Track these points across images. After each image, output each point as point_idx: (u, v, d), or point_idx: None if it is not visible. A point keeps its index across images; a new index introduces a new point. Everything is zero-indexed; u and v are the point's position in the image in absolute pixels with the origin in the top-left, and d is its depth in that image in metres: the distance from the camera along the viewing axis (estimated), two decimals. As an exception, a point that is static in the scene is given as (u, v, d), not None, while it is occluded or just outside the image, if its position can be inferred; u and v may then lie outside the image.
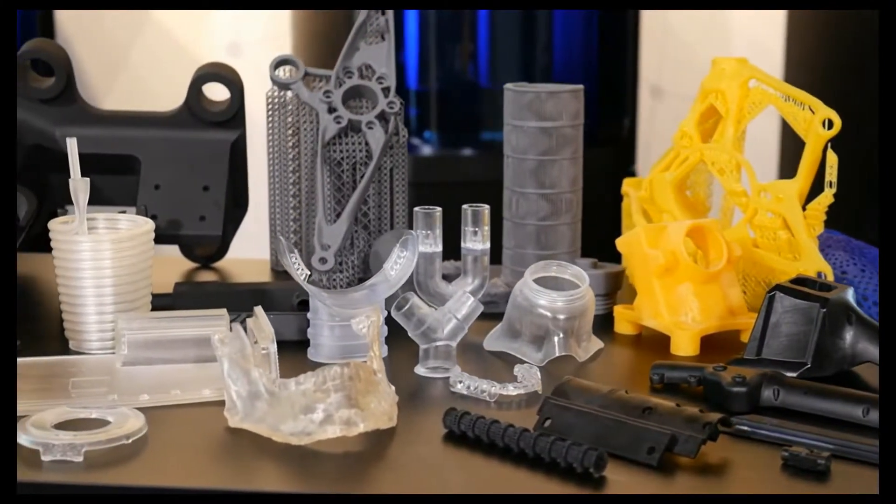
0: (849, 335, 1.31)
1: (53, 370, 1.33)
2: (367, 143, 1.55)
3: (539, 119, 1.51)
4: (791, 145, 2.86)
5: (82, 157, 1.41)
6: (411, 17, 2.81)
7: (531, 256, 1.53)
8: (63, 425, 1.16)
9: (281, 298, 1.50)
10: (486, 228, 1.41)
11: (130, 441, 1.14)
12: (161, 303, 1.47)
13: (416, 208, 1.39)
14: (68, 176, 1.41)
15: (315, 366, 1.27)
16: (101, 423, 1.16)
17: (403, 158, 1.61)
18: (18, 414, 1.18)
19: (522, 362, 1.35)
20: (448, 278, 1.43)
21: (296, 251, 1.38)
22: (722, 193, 1.60)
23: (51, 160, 1.62)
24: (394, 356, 1.38)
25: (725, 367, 1.26)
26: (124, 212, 1.50)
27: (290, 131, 1.66)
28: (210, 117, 1.65)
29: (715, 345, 1.41)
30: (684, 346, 1.39)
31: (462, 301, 1.35)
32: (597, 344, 1.42)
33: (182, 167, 1.64)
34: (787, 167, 2.89)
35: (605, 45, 2.96)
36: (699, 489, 1.08)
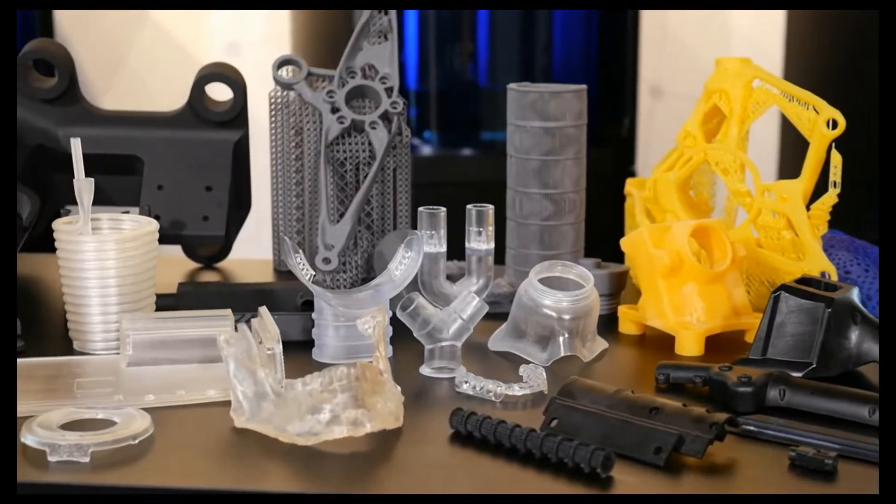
0: (854, 335, 1.31)
1: (58, 370, 1.33)
2: (370, 144, 1.55)
3: (542, 119, 1.51)
4: (791, 146, 2.86)
5: (85, 158, 1.41)
6: (411, 17, 2.81)
7: (534, 256, 1.53)
8: (69, 426, 1.16)
9: (285, 299, 1.50)
10: (491, 228, 1.41)
11: (137, 442, 1.14)
12: (165, 303, 1.47)
13: (420, 208, 1.39)
14: (71, 176, 1.41)
15: (320, 366, 1.27)
16: (107, 424, 1.16)
17: (407, 158, 1.61)
18: (24, 414, 1.18)
19: (527, 362, 1.35)
20: (451, 278, 1.43)
21: (300, 251, 1.38)
22: (725, 193, 1.60)
23: (53, 160, 1.61)
24: (398, 356, 1.38)
25: (731, 367, 1.26)
26: (127, 212, 1.50)
27: (292, 131, 1.66)
28: (213, 117, 1.65)
29: (719, 345, 1.41)
30: (689, 346, 1.39)
31: (467, 301, 1.35)
32: (601, 344, 1.42)
33: (185, 167, 1.63)
34: (787, 167, 2.89)
35: (604, 45, 2.97)
36: (706, 489, 1.08)
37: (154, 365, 1.33)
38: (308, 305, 1.46)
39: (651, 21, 3.17)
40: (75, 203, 1.41)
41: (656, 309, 1.43)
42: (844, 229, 1.59)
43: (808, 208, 1.46)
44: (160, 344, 1.33)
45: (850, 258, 1.51)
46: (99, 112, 1.66)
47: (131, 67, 3.20)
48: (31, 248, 1.60)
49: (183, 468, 1.13)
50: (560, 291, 1.37)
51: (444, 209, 1.39)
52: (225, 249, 1.75)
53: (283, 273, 1.70)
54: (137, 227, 1.43)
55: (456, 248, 1.48)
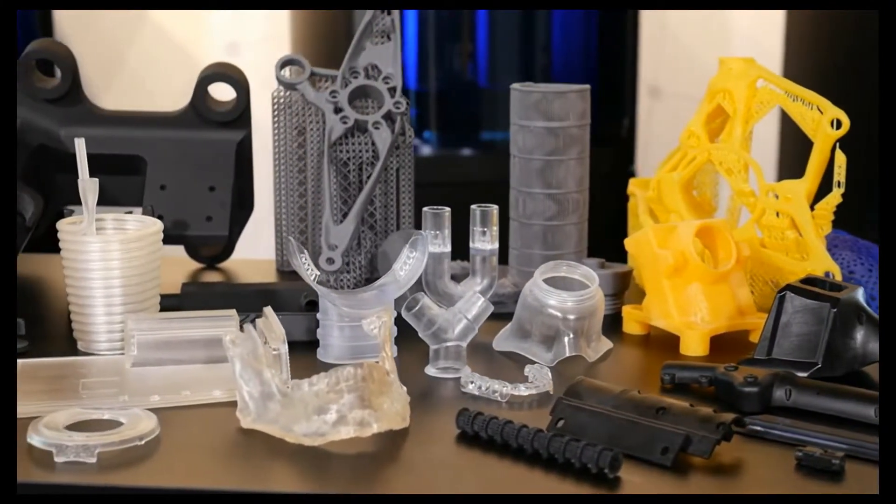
0: (859, 335, 1.31)
1: (63, 371, 1.33)
2: (373, 144, 1.55)
3: (546, 119, 1.51)
4: (791, 146, 2.86)
5: (87, 158, 1.41)
6: (410, 17, 2.81)
7: (538, 256, 1.53)
8: (75, 426, 1.16)
9: (289, 299, 1.49)
10: (495, 229, 1.41)
11: (143, 442, 1.14)
12: (168, 303, 1.47)
13: (424, 208, 1.39)
14: (73, 176, 1.41)
15: (324, 366, 1.27)
16: (113, 425, 1.16)
17: (410, 158, 1.61)
18: (30, 415, 1.18)
19: (532, 363, 1.35)
20: (455, 278, 1.43)
21: (305, 251, 1.38)
22: (728, 193, 1.60)
23: (56, 160, 1.61)
24: (403, 356, 1.38)
25: (737, 367, 1.26)
26: (131, 212, 1.50)
27: (295, 132, 1.65)
28: (216, 117, 1.65)
29: (724, 345, 1.41)
30: (694, 346, 1.39)
31: (472, 301, 1.35)
32: (606, 344, 1.42)
33: (188, 167, 1.63)
34: (787, 167, 2.89)
35: (604, 45, 2.97)
36: (713, 489, 1.08)
37: (159, 365, 1.33)
38: (312, 305, 1.46)
39: (651, 21, 3.17)
40: (78, 203, 1.41)
41: (661, 309, 1.43)
42: (844, 229, 1.59)
43: (812, 208, 1.46)
44: (165, 344, 1.33)
45: (853, 258, 1.51)
46: (101, 112, 1.66)
47: (131, 67, 3.20)
48: (32, 249, 1.60)
49: (189, 469, 1.13)
50: (565, 291, 1.37)
51: (448, 209, 1.39)
52: (228, 250, 1.75)
53: (287, 273, 1.70)
54: (142, 227, 1.43)
55: (456, 248, 1.48)
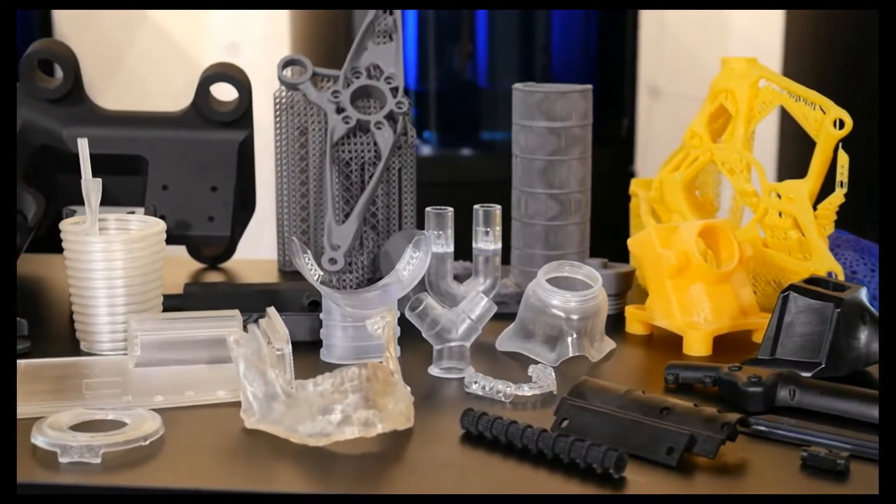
0: (863, 335, 1.31)
1: (66, 371, 1.32)
2: (375, 144, 1.55)
3: (548, 119, 1.51)
4: (791, 146, 2.87)
5: (89, 158, 1.41)
6: (410, 17, 2.81)
7: (540, 256, 1.53)
8: (79, 427, 1.16)
9: (291, 299, 1.49)
10: (498, 229, 1.41)
11: (148, 443, 1.14)
12: (171, 304, 1.47)
13: (427, 208, 1.39)
14: (75, 176, 1.40)
15: (327, 366, 1.27)
16: (117, 425, 1.16)
17: (412, 158, 1.61)
18: (33, 415, 1.18)
19: (535, 363, 1.35)
20: (457, 279, 1.43)
21: (309, 252, 1.38)
22: (731, 193, 1.60)
23: (58, 160, 1.61)
24: (406, 357, 1.37)
25: (741, 367, 1.26)
26: (133, 212, 1.50)
27: (297, 132, 1.65)
28: (218, 117, 1.65)
29: (726, 345, 1.41)
30: (697, 346, 1.39)
31: (476, 301, 1.35)
32: (609, 344, 1.42)
33: (190, 168, 1.63)
34: (787, 168, 2.89)
35: (603, 45, 2.97)
36: (718, 489, 1.08)
37: (162, 366, 1.32)
38: (314, 306, 1.46)
39: (650, 21, 3.17)
40: (79, 203, 1.41)
41: (664, 309, 1.43)
42: (844, 230, 1.59)
43: (814, 208, 1.46)
44: (168, 345, 1.33)
45: (856, 258, 1.51)
46: (103, 112, 1.66)
47: (130, 67, 3.20)
48: (34, 249, 1.60)
49: (194, 469, 1.12)
50: (568, 291, 1.37)
51: (451, 209, 1.39)
52: (230, 250, 1.75)
53: (288, 273, 1.70)
54: (145, 227, 1.43)
55: (456, 248, 1.47)
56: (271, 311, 1.33)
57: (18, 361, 1.33)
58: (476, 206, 1.41)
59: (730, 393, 1.24)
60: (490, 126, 2.90)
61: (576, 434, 1.12)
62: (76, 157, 1.40)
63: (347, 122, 1.54)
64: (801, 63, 2.93)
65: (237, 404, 1.20)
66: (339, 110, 1.55)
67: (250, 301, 1.46)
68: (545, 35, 2.90)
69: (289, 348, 1.25)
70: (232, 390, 1.24)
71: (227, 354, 1.20)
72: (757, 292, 1.51)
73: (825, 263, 1.44)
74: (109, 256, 1.37)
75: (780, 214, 1.48)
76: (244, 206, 1.69)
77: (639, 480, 1.08)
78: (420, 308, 1.33)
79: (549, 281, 1.39)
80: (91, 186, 1.39)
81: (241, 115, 1.65)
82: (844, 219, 1.51)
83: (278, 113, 1.65)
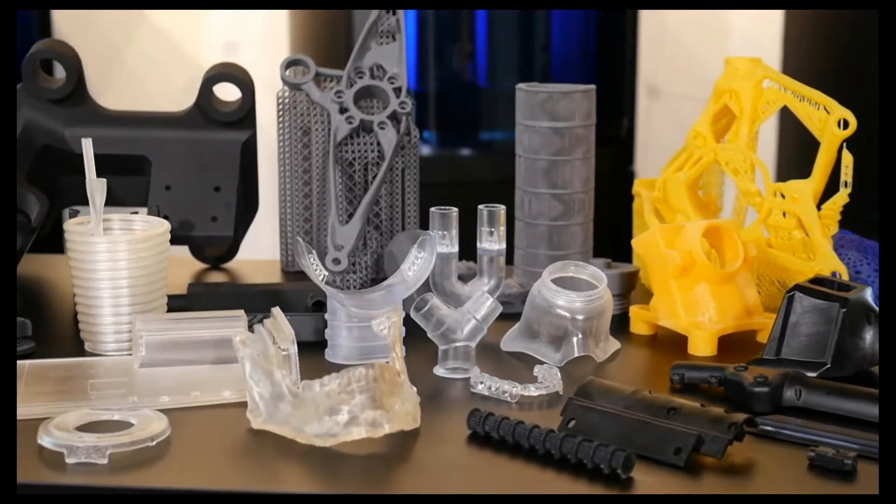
0: (868, 335, 1.31)
1: (71, 372, 1.32)
2: (378, 144, 1.55)
3: (551, 119, 1.51)
4: (791, 146, 2.87)
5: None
6: (410, 17, 2.81)
7: (543, 257, 1.53)
8: (86, 427, 1.15)
9: (295, 299, 1.49)
10: (502, 229, 1.41)
11: (154, 443, 1.13)
12: (175, 304, 1.47)
13: (432, 209, 1.39)
14: (78, 176, 1.40)
15: (332, 367, 1.26)
16: (124, 425, 1.16)
17: (415, 159, 1.61)
18: (39, 416, 1.17)
19: (540, 363, 1.35)
20: (461, 279, 1.43)
21: (314, 252, 1.38)
22: (734, 193, 1.60)
23: (61, 161, 1.61)
24: (411, 357, 1.37)
25: (746, 367, 1.26)
26: (136, 212, 1.50)
27: (300, 132, 1.65)
28: (221, 117, 1.65)
29: (731, 345, 1.41)
30: (702, 346, 1.39)
31: (481, 301, 1.35)
32: (614, 344, 1.42)
33: (193, 168, 1.63)
34: (787, 168, 2.89)
35: (603, 45, 2.97)
36: (726, 490, 1.08)
37: (167, 366, 1.32)
38: (319, 306, 1.46)
39: (650, 21, 3.18)
40: (83, 203, 1.41)
41: (668, 309, 1.43)
42: (844, 229, 1.59)
43: (818, 208, 1.46)
44: (173, 345, 1.33)
45: (859, 258, 1.51)
46: (106, 112, 1.66)
47: (129, 67, 3.20)
48: (38, 249, 1.60)
49: (201, 469, 1.12)
50: (573, 291, 1.37)
51: (455, 209, 1.39)
52: (232, 250, 1.75)
53: (292, 274, 1.70)
54: (149, 227, 1.43)
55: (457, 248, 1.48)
56: (276, 311, 1.33)
57: (23, 362, 1.33)
58: (480, 207, 1.41)
59: (736, 393, 1.24)
60: (490, 126, 2.90)
61: (583, 434, 1.12)
62: (79, 157, 1.40)
63: (351, 123, 1.54)
64: (800, 63, 2.94)
65: (243, 405, 1.20)
66: (343, 110, 1.55)
67: (254, 301, 1.46)
68: (545, 35, 2.90)
69: (294, 349, 1.25)
70: (238, 391, 1.24)
71: (233, 355, 1.20)
72: (761, 292, 1.51)
73: (829, 263, 1.44)
74: (114, 257, 1.37)
75: (784, 214, 1.48)
76: (247, 206, 1.69)
77: (646, 480, 1.08)
78: (425, 308, 1.33)
79: (554, 281, 1.38)
80: (96, 187, 1.39)
81: (245, 115, 1.65)
82: (843, 219, 1.51)
83: (281, 113, 1.65)
